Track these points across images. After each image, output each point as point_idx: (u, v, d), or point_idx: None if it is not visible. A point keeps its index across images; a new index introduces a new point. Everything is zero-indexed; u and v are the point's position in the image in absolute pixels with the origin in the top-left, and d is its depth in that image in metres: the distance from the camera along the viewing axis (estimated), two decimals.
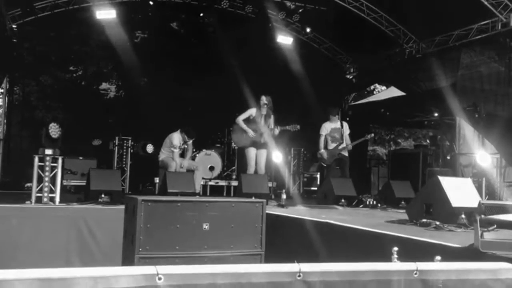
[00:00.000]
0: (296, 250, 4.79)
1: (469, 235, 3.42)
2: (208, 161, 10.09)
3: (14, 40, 10.58)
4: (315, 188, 11.13)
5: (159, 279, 1.54)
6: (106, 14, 10.15)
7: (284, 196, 7.01)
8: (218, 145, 11.34)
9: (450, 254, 2.99)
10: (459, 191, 4.71)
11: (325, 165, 8.89)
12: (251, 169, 8.00)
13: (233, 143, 10.41)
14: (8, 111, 11.55)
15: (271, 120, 8.09)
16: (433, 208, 4.69)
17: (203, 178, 9.24)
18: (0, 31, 9.08)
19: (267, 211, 4.20)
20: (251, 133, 7.93)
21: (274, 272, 1.71)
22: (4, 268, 1.44)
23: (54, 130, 6.13)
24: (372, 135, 9.49)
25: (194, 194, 6.98)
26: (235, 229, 3.93)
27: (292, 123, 8.12)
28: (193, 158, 9.52)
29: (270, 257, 3.97)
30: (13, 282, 1.40)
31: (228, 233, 3.90)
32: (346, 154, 8.75)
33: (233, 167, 10.90)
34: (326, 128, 8.78)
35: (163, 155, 8.30)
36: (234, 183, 10.07)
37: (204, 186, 9.63)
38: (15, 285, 1.40)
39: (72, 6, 10.56)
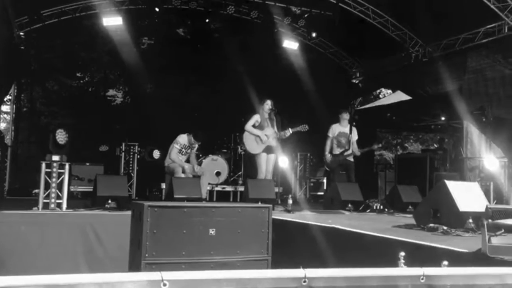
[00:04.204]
0: (303, 256, 4.77)
1: (476, 240, 3.40)
2: (215, 166, 10.07)
3: (22, 48, 10.67)
4: (322, 193, 11.09)
5: (164, 285, 1.54)
6: (113, 21, 10.23)
7: (290, 201, 7.00)
8: (225, 150, 11.33)
9: (457, 259, 2.98)
10: (467, 196, 4.69)
11: (328, 170, 8.88)
12: (261, 175, 7.97)
13: (242, 150, 10.40)
14: (16, 118, 11.66)
15: (275, 122, 8.08)
16: (440, 212, 4.67)
17: (209, 184, 9.24)
18: (8, 39, 9.15)
19: (273, 217, 4.20)
20: (264, 138, 7.91)
21: (279, 278, 1.70)
22: (12, 274, 1.45)
23: (61, 136, 6.17)
24: (380, 145, 9.45)
25: (200, 199, 6.99)
26: (242, 235, 3.93)
27: (300, 124, 8.07)
28: (199, 163, 9.53)
29: (276, 263, 3.97)
30: None
31: (234, 238, 3.90)
32: (352, 159, 8.72)
33: (240, 173, 10.89)
34: (334, 130, 8.76)
35: (169, 161, 8.32)
36: (241, 188, 10.05)
37: (211, 192, 9.63)
38: None
39: (79, 13, 10.65)
